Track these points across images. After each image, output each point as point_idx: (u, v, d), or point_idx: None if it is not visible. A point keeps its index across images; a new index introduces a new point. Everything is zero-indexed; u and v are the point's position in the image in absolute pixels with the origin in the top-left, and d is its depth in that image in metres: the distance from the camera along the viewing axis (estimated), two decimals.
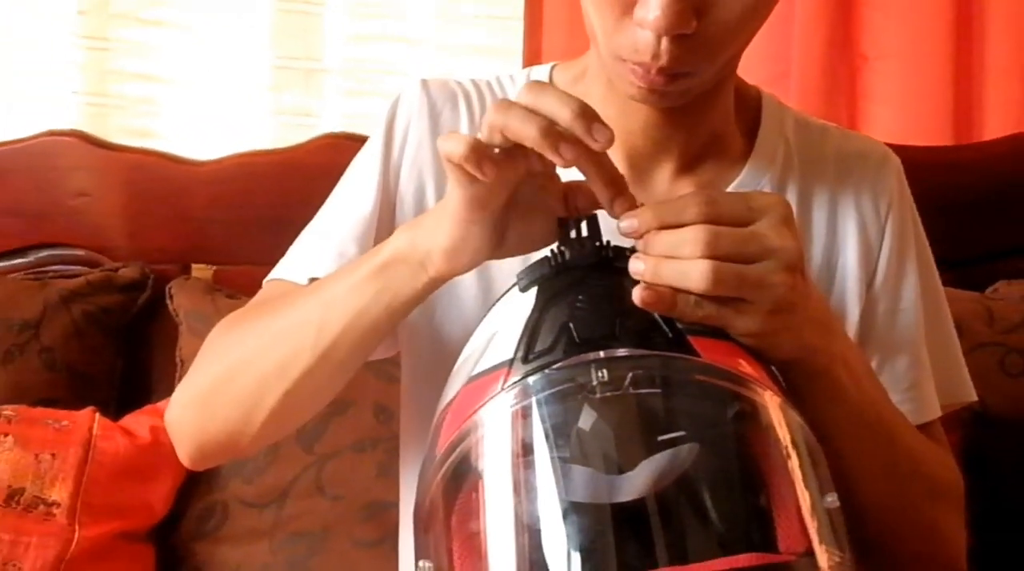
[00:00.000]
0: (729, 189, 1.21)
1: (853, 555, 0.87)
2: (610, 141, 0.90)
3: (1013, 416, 1.72)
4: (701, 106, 1.18)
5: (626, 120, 1.19)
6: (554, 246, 0.96)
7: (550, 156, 0.89)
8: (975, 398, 1.32)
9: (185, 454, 1.21)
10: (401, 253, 1.03)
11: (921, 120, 2.04)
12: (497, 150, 0.91)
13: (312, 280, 1.21)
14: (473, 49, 2.16)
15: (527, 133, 0.88)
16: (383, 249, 1.04)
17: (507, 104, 0.90)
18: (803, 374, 1.00)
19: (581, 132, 0.89)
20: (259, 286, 1.86)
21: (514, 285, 0.97)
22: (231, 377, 1.14)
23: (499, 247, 1.01)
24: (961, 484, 1.23)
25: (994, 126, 2.05)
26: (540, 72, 1.31)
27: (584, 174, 0.95)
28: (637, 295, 0.89)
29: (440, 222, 0.99)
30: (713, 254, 0.91)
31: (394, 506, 1.64)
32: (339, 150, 1.84)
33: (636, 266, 0.92)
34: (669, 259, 0.91)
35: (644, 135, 1.20)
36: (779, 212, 0.95)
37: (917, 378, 1.25)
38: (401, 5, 2.16)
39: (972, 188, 1.91)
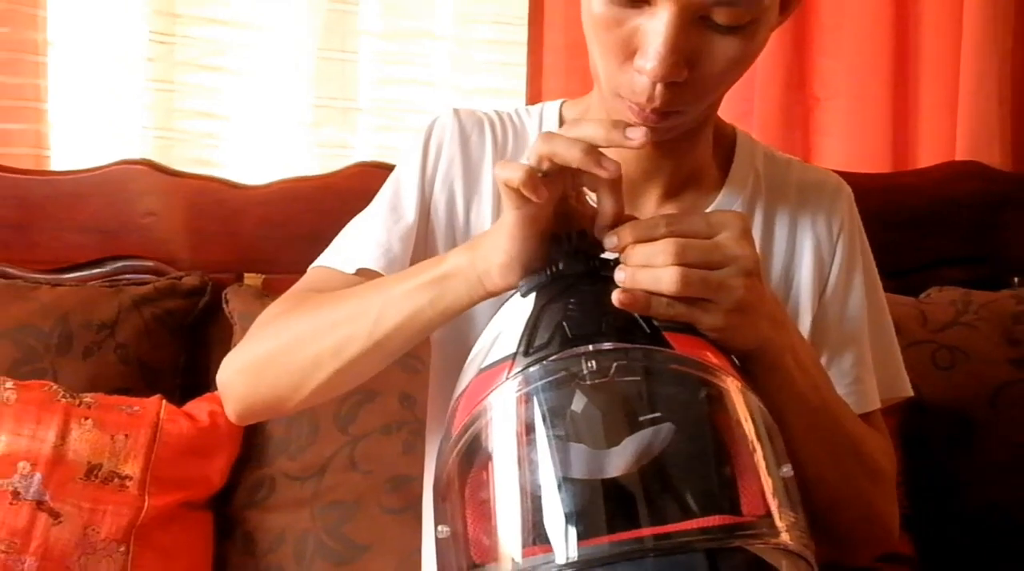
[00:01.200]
0: (706, 211, 1.21)
1: (805, 516, 0.88)
2: (643, 143, 0.92)
3: (943, 402, 1.72)
4: (685, 142, 1.19)
5: (620, 150, 1.18)
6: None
7: (594, 170, 0.91)
8: (911, 393, 1.32)
9: (232, 411, 1.21)
10: (460, 269, 1.03)
11: (865, 151, 2.04)
12: (544, 174, 0.93)
13: (359, 270, 1.21)
14: (484, 91, 2.16)
15: (573, 156, 0.91)
16: (442, 263, 1.05)
17: (551, 135, 0.92)
18: (759, 363, 1.01)
19: (619, 139, 0.92)
20: None
21: (515, 292, 0.98)
22: (287, 351, 1.14)
23: (542, 260, 1.01)
24: (895, 468, 1.24)
25: (927, 155, 2.05)
26: (552, 107, 1.32)
27: (599, 203, 0.97)
28: (616, 298, 0.91)
29: (497, 242, 0.99)
30: (681, 262, 0.93)
31: (416, 479, 1.65)
32: (370, 177, 1.85)
33: (619, 275, 0.94)
34: (645, 267, 0.93)
35: (636, 165, 1.20)
36: (737, 226, 0.97)
37: (860, 374, 1.26)
38: (423, 54, 2.16)
39: (908, 208, 1.91)
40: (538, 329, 0.92)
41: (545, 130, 1.28)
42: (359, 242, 1.25)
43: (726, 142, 1.29)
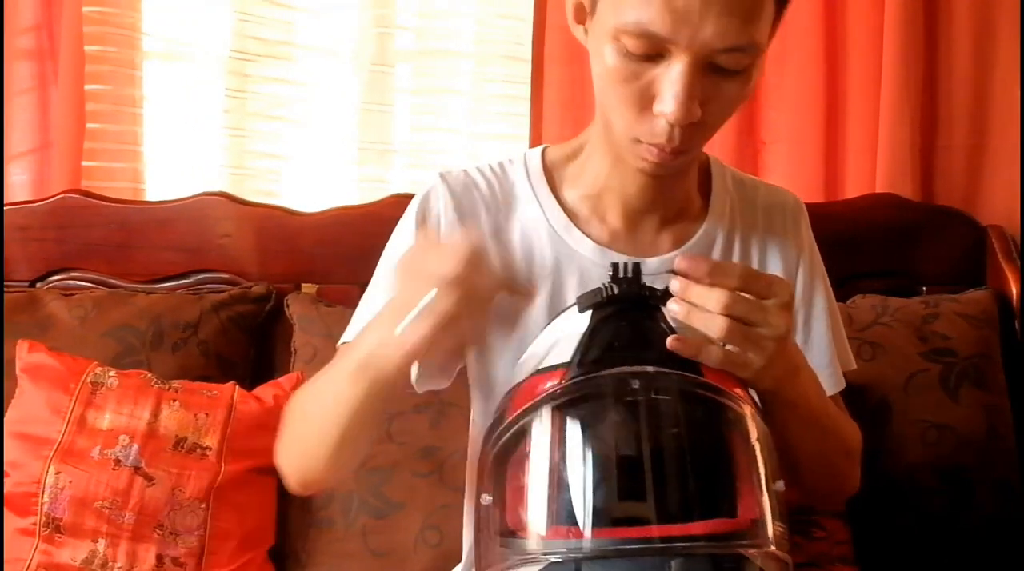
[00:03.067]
0: (693, 240, 1.18)
1: (787, 529, 0.87)
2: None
3: (866, 387, 1.72)
4: (679, 175, 1.15)
5: (625, 186, 1.14)
6: (606, 281, 0.93)
7: None
8: (855, 367, 1.32)
9: (291, 490, 1.13)
10: (377, 360, 0.94)
11: (802, 184, 2.03)
12: None
13: None
14: (494, 136, 2.16)
15: None
16: (357, 352, 0.96)
17: None
18: (776, 399, 0.99)
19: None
20: (348, 299, 1.88)
21: (573, 305, 0.94)
22: (296, 445, 1.09)
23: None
24: (860, 438, 1.23)
25: (852, 188, 2.06)
26: (534, 155, 1.22)
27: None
28: (670, 344, 0.88)
29: (401, 335, 0.91)
30: (728, 313, 0.90)
31: (441, 449, 1.65)
32: (403, 205, 1.80)
33: (674, 308, 0.91)
34: (700, 310, 0.90)
35: (639, 198, 1.15)
36: (784, 298, 0.93)
37: (829, 364, 1.24)
38: (445, 107, 2.17)
39: (837, 231, 1.90)
40: (592, 345, 0.89)
41: (533, 177, 1.19)
42: (370, 317, 1.13)
43: (703, 169, 1.23)
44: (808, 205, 1.89)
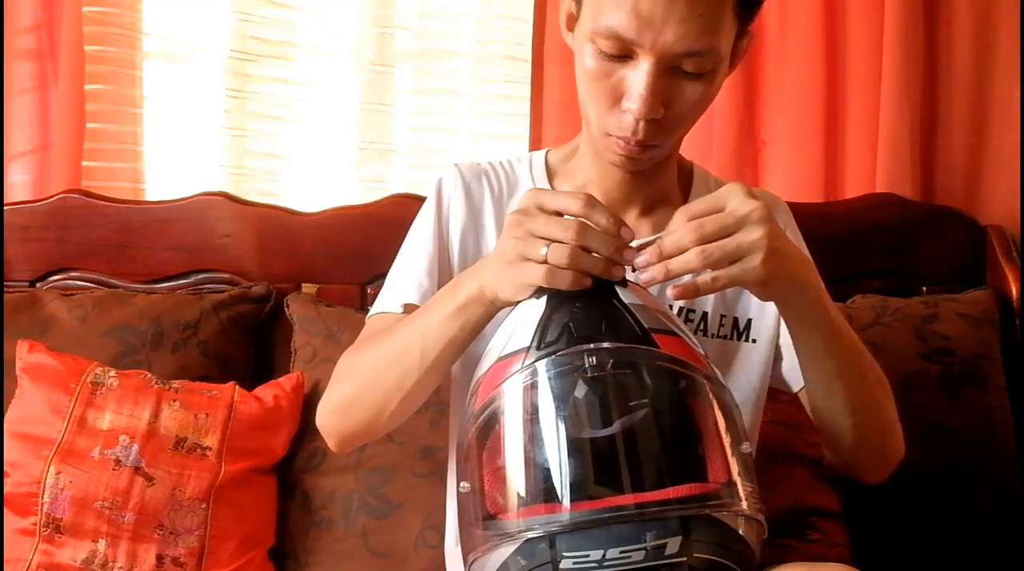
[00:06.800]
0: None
1: (757, 487, 0.88)
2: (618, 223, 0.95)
3: None
4: (656, 171, 1.22)
5: (605, 179, 1.23)
6: None
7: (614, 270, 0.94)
8: None
9: (333, 445, 1.22)
10: (474, 296, 1.02)
11: (802, 184, 2.04)
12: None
13: (405, 305, 1.21)
14: (495, 136, 2.16)
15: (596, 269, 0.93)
16: (459, 292, 1.04)
17: (580, 254, 0.93)
18: (802, 305, 1.03)
19: (607, 225, 0.94)
20: (348, 299, 1.88)
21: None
22: (361, 393, 1.15)
23: None
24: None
25: (852, 188, 2.06)
26: (539, 157, 1.33)
27: None
28: (671, 293, 0.94)
29: (500, 273, 0.99)
30: (701, 242, 0.92)
31: (440, 449, 1.65)
32: (403, 206, 1.85)
33: (649, 274, 0.94)
34: (674, 258, 0.93)
35: (618, 190, 1.23)
36: (739, 188, 0.96)
37: None
38: (446, 106, 2.17)
39: (837, 231, 1.91)
40: (548, 328, 0.92)
41: (536, 174, 1.31)
42: (398, 284, 1.26)
43: (686, 173, 1.32)
44: (808, 205, 1.94)
